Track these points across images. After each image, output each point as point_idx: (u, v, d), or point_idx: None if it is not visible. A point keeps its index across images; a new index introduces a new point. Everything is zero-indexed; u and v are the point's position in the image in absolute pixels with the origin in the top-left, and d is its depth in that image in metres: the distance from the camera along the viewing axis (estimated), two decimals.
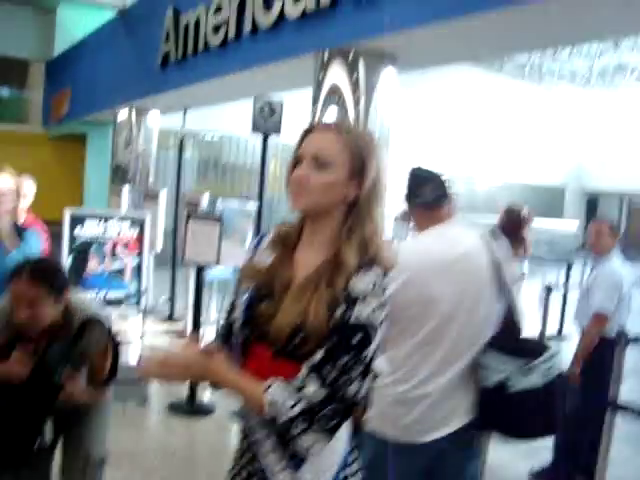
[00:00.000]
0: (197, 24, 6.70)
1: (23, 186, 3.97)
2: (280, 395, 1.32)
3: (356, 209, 1.43)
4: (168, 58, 7.51)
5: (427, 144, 16.77)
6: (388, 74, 4.98)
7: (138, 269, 4.77)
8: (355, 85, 4.90)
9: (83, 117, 11.82)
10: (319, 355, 1.34)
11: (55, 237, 4.57)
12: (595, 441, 3.51)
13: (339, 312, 1.35)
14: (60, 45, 13.49)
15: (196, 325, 4.63)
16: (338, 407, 1.33)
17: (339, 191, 1.42)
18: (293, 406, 1.30)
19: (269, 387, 1.33)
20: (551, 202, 22.99)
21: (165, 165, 13.61)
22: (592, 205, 24.71)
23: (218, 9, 6.25)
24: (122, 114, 9.88)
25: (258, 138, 6.37)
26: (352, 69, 4.88)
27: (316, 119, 5.17)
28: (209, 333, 6.59)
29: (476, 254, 2.18)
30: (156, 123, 10.10)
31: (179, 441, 4.24)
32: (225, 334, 1.57)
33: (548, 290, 6.43)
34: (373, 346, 1.36)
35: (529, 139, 22.06)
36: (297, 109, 7.82)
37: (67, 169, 14.58)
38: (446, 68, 12.12)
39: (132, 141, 9.96)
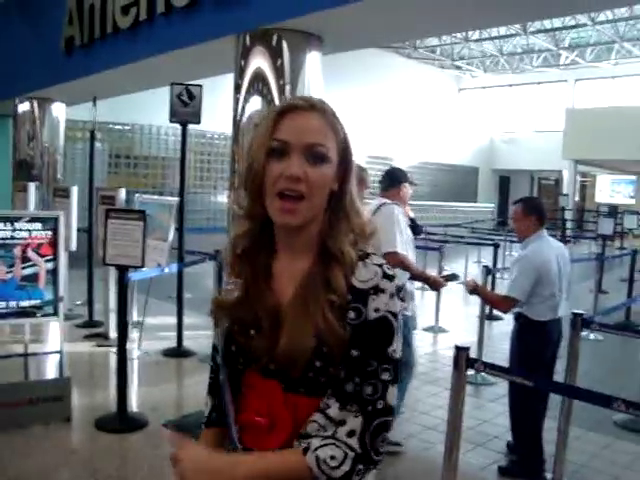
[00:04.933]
0: (104, 5, 6.22)
1: None
2: (323, 452, 1.07)
3: (343, 198, 1.20)
4: (72, 43, 6.96)
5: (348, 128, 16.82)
6: (314, 58, 4.76)
7: (54, 274, 4.34)
8: (280, 70, 4.64)
9: None
10: (342, 375, 1.11)
11: None
12: None
13: (352, 315, 1.12)
14: None
15: (122, 330, 4.28)
16: (381, 422, 1.10)
17: (330, 186, 1.18)
18: (341, 463, 1.06)
19: (306, 448, 1.08)
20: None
21: (74, 159, 12.89)
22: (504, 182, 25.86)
23: None
24: (23, 106, 9.18)
25: (171, 127, 6.01)
26: (276, 53, 4.62)
27: (239, 108, 4.87)
28: (133, 337, 6.23)
29: None
30: (62, 114, 9.45)
31: (109, 460, 3.89)
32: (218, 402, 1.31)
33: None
34: (397, 337, 1.14)
35: (445, 121, 22.51)
36: (217, 98, 7.47)
37: None
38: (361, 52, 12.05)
39: (36, 134, 9.30)
